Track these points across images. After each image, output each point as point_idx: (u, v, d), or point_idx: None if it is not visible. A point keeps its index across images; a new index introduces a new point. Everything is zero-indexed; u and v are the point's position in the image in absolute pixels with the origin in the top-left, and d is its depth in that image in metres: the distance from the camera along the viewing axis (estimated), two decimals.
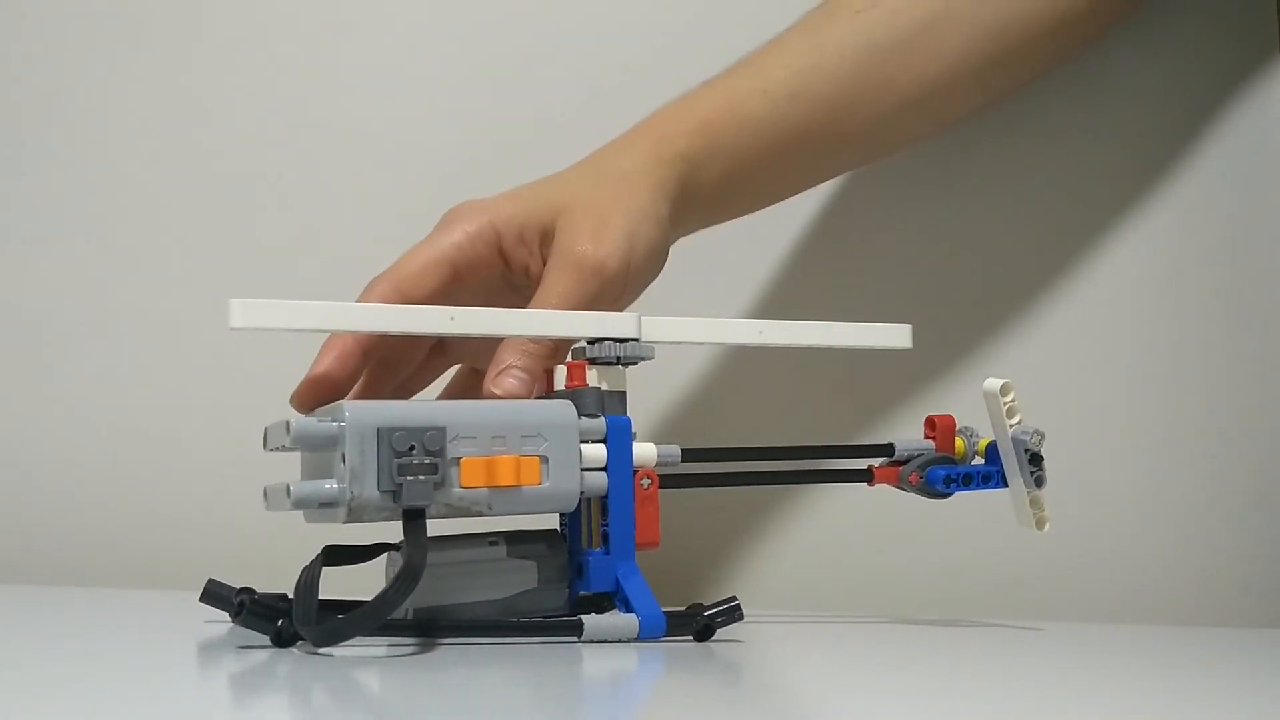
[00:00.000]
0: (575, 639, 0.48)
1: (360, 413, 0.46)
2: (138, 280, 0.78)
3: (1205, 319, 0.75)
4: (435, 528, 0.47)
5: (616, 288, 0.56)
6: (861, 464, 0.57)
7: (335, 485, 0.46)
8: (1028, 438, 0.55)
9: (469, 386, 0.62)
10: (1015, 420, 0.56)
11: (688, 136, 0.62)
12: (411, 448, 0.46)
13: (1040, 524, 0.56)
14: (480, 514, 0.48)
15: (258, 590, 0.48)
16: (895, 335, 0.57)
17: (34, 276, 0.78)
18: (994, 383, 0.56)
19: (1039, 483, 0.56)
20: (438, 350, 0.61)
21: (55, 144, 0.78)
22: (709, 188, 0.63)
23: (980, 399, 0.57)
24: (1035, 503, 0.56)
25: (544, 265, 0.57)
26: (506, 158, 0.77)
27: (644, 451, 0.52)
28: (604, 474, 0.50)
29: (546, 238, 0.57)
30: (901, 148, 0.72)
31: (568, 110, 0.79)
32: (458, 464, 0.47)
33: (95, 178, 0.78)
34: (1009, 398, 0.56)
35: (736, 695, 0.43)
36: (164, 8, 0.80)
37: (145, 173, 0.78)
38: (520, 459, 0.47)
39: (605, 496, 0.51)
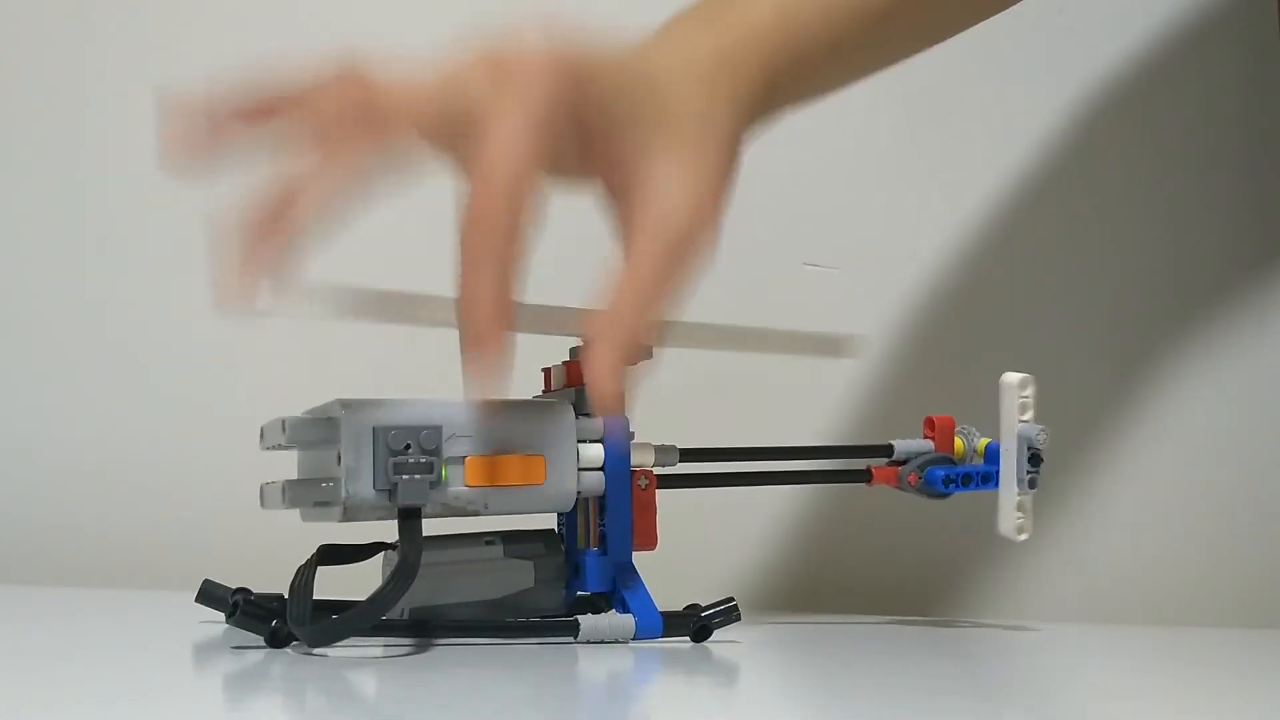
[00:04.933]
0: (571, 639, 0.48)
1: (356, 411, 0.46)
2: (133, 276, 0.77)
3: (1204, 317, 0.75)
4: (431, 527, 0.47)
5: None
6: (860, 464, 0.57)
7: (331, 484, 0.45)
8: (1034, 434, 0.55)
9: None
10: (1026, 416, 0.55)
11: None
12: (407, 446, 0.45)
13: (1020, 530, 0.56)
14: (476, 513, 0.47)
15: (253, 591, 0.48)
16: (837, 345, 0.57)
17: (29, 273, 0.77)
18: (1013, 376, 0.55)
19: (1031, 484, 0.55)
20: None
21: (46, 137, 0.78)
22: None
23: (977, 399, 0.57)
24: (1021, 507, 0.55)
25: None
26: None
27: (642, 452, 0.52)
28: (601, 474, 0.50)
29: None
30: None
31: None
32: (462, 462, 0.46)
33: (90, 173, 0.78)
34: (1026, 393, 0.55)
35: (733, 696, 0.43)
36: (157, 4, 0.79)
37: (137, 167, 0.78)
38: (525, 458, 0.47)
39: (603, 496, 0.50)
